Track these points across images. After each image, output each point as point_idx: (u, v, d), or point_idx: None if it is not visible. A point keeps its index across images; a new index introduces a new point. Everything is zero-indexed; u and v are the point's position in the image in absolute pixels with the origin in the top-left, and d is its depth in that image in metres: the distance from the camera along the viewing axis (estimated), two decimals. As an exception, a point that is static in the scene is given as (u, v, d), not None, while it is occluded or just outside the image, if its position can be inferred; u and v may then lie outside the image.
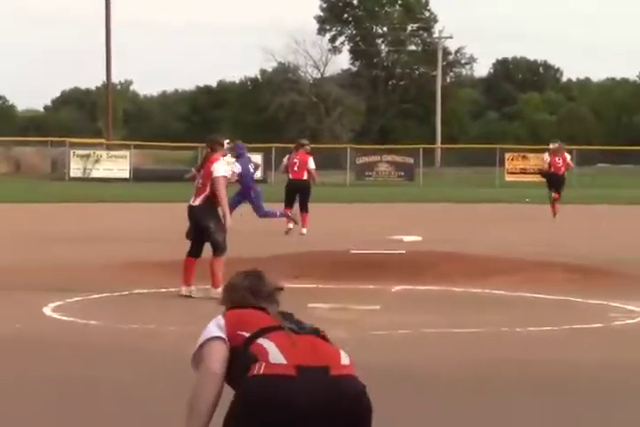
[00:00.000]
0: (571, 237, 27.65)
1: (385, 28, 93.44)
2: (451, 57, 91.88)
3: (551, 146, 36.67)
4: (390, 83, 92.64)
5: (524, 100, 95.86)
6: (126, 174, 63.52)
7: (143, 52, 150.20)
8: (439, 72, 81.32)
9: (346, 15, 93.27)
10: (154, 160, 72.92)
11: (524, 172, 62.08)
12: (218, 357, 5.42)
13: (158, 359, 12.23)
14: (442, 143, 76.47)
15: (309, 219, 27.95)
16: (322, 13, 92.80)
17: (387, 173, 64.60)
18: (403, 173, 64.81)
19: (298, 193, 28.83)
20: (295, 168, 28.75)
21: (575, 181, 38.77)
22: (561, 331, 14.48)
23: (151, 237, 25.58)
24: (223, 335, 5.48)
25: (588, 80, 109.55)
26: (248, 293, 5.78)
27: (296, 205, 28.70)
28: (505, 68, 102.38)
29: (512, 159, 63.57)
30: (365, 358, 11.52)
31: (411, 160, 64.72)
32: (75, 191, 48.70)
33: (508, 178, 62.63)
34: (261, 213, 27.14)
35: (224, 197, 16.27)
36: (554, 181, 34.08)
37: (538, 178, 60.58)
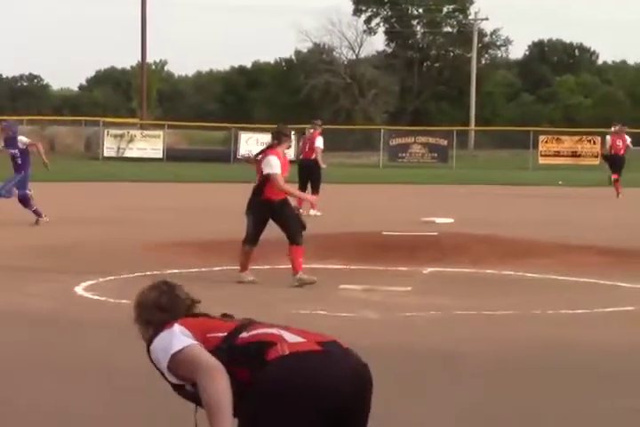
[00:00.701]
0: (606, 219, 27.39)
1: (420, 10, 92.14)
2: (486, 39, 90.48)
3: (613, 129, 37.37)
4: (425, 64, 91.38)
5: (558, 83, 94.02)
6: (160, 154, 63.11)
7: (178, 32, 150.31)
8: (474, 54, 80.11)
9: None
10: (187, 140, 72.40)
11: (557, 154, 61.64)
12: (208, 354, 5.20)
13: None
14: (476, 125, 75.60)
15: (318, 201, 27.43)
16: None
17: (420, 154, 63.92)
18: (436, 155, 64.13)
19: (307, 173, 28.97)
20: (306, 148, 29.30)
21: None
22: (593, 314, 14.40)
23: (184, 217, 25.79)
24: (195, 341, 5.28)
25: (624, 63, 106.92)
26: (158, 311, 5.63)
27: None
28: (540, 51, 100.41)
29: (546, 142, 62.46)
30: (396, 339, 12.30)
31: (444, 142, 63.92)
32: (108, 170, 48.96)
33: (542, 161, 62.00)
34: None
35: (287, 189, 15.91)
36: (615, 162, 34.92)
37: (571, 161, 62.49)
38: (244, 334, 5.27)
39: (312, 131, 29.87)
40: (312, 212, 26.98)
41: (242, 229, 16.91)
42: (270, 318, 11.43)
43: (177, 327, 5.39)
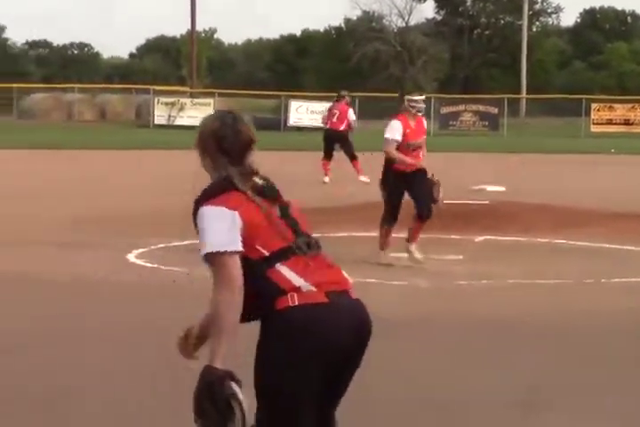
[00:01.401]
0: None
1: None
2: (537, 6, 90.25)
3: None
4: (475, 32, 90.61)
5: (610, 50, 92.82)
6: (210, 122, 63.20)
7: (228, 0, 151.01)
8: (525, 21, 79.34)
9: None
10: (238, 108, 73.25)
11: (610, 122, 61.27)
12: (239, 272, 5.29)
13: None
14: (527, 93, 74.90)
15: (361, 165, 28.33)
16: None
17: (471, 122, 64.17)
18: (487, 123, 64.13)
19: (336, 143, 29.47)
20: (334, 119, 29.51)
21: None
22: (625, 283, 14.50)
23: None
24: (239, 247, 5.32)
25: None
26: (214, 144, 5.57)
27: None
28: (592, 18, 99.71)
29: (598, 110, 61.89)
30: (447, 307, 12.52)
31: (495, 110, 63.84)
32: (159, 138, 49.78)
33: (594, 129, 61.75)
34: None
35: (393, 153, 15.23)
36: None
37: (624, 128, 62.91)
38: (276, 267, 5.33)
39: (339, 101, 30.38)
40: (362, 178, 27.42)
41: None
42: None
43: (229, 213, 5.40)
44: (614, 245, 17.85)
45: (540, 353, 10.56)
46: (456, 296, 13.55)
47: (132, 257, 15.87)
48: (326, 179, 28.02)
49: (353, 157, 28.83)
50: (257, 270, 5.37)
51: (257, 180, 5.61)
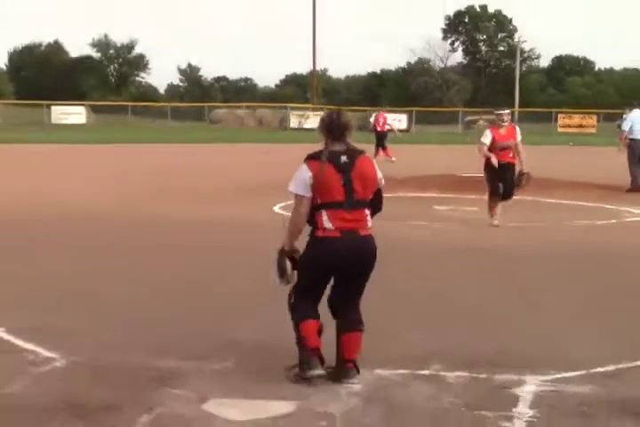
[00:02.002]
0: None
1: (484, 36, 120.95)
2: (525, 54, 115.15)
3: None
4: (487, 70, 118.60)
5: (570, 82, 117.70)
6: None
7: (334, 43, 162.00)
8: (517, 64, 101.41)
9: (460, 28, 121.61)
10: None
11: (569, 126, 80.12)
12: (305, 209, 7.04)
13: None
14: (519, 108, 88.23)
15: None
16: (445, 27, 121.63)
17: (483, 126, 72.12)
18: None
19: (382, 140, 36.22)
20: (379, 124, 36.74)
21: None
22: (597, 224, 17.18)
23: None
24: (308, 194, 6.98)
25: (611, 69, 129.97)
26: (326, 126, 7.15)
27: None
28: (559, 61, 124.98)
29: (563, 118, 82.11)
30: (467, 240, 15.00)
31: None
32: (294, 137, 56.33)
33: (560, 130, 78.66)
34: None
35: (485, 153, 16.38)
36: None
37: (578, 130, 76.85)
38: (321, 211, 7.01)
39: (379, 112, 37.89)
40: (393, 158, 34.28)
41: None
42: (396, 225, 14.92)
43: (304, 172, 7.01)
44: (574, 202, 20.73)
45: (529, 268, 12.48)
46: (474, 232, 15.87)
47: (276, 208, 17.64)
48: (393, 158, 33.78)
49: (384, 148, 35.66)
50: (313, 210, 7.05)
51: (339, 154, 6.99)
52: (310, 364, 6.91)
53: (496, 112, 16.76)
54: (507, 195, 16.34)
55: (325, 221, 6.92)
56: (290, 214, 7.14)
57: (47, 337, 8.11)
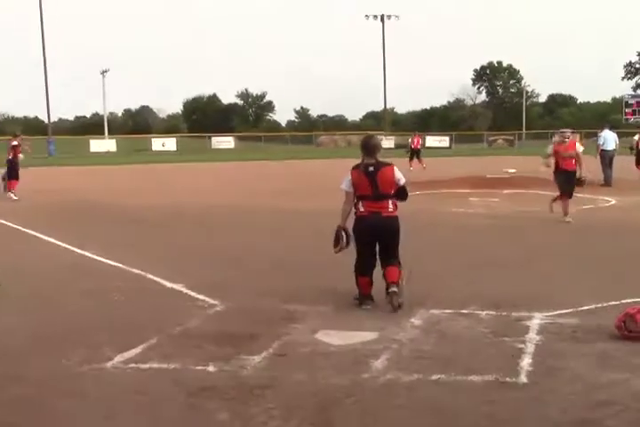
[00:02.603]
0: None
1: (500, 82, 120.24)
2: (528, 94, 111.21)
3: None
4: (502, 106, 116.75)
5: (561, 113, 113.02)
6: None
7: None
8: (524, 100, 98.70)
9: (484, 77, 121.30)
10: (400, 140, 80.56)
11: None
12: (350, 199, 7.51)
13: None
14: (525, 130, 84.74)
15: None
16: (473, 76, 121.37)
17: (501, 143, 76.23)
18: (508, 144, 75.00)
19: (416, 154, 34.69)
20: (414, 144, 35.20)
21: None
22: (582, 208, 16.32)
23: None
24: (351, 190, 7.43)
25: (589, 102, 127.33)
26: (362, 147, 7.52)
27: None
28: (553, 98, 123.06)
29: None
30: (490, 221, 14.57)
31: (511, 137, 77.62)
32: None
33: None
34: None
35: (545, 161, 15.05)
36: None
37: None
38: (359, 201, 7.46)
39: (415, 135, 36.33)
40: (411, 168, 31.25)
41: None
42: (434, 214, 14.68)
43: (348, 176, 7.48)
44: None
45: (536, 235, 12.70)
46: (494, 216, 15.32)
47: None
48: (411, 168, 30.79)
49: (419, 159, 34.11)
50: (355, 200, 7.53)
51: (369, 165, 7.39)
52: (363, 301, 7.42)
53: (560, 131, 15.58)
54: (567, 196, 14.64)
55: (360, 206, 7.39)
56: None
57: (211, 290, 8.22)
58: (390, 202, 7.38)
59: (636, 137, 27.67)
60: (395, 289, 7.27)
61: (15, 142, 20.79)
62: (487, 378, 5.34)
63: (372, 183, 7.30)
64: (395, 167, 7.53)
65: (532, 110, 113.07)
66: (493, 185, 21.85)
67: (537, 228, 13.57)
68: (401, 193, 7.51)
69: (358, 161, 7.71)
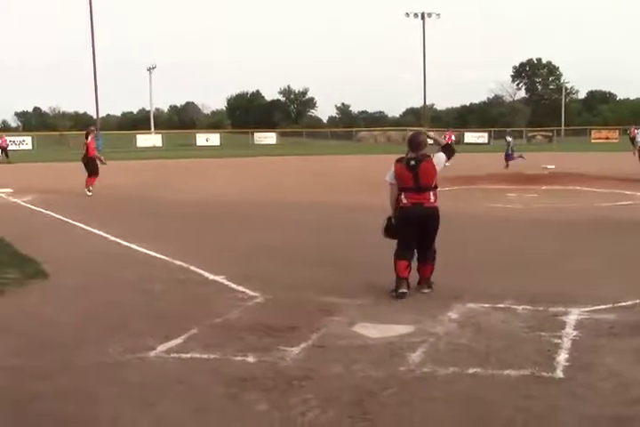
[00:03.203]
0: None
1: (540, 79, 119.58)
2: (568, 90, 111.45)
3: None
4: (541, 102, 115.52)
5: (600, 109, 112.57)
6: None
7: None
8: (563, 97, 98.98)
9: (523, 73, 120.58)
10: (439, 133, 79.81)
11: (600, 138, 72.71)
12: (395, 190, 7.72)
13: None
14: (564, 126, 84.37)
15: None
16: (513, 73, 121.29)
17: (540, 139, 74.39)
18: (547, 140, 73.33)
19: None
20: (446, 138, 34.11)
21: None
22: (618, 204, 16.18)
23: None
24: (394, 182, 7.66)
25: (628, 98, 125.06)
26: (408, 143, 7.72)
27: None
28: (592, 94, 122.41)
29: (594, 132, 75.21)
30: (528, 215, 14.50)
31: (550, 134, 75.58)
32: None
33: (593, 141, 71.01)
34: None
35: None
36: None
37: (606, 141, 70.31)
38: (402, 193, 7.63)
39: (447, 131, 37.12)
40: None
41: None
42: (471, 209, 14.53)
43: (391, 171, 7.70)
44: (602, 190, 19.28)
45: (573, 231, 12.32)
46: (532, 212, 15.25)
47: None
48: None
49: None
50: (398, 193, 7.72)
51: (411, 159, 7.60)
52: (399, 286, 7.55)
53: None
54: None
55: (403, 198, 7.59)
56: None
57: (252, 282, 8.24)
58: (431, 193, 7.61)
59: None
60: (426, 291, 7.65)
61: (89, 139, 20.19)
62: (523, 372, 5.28)
63: (414, 176, 7.50)
64: (432, 159, 7.70)
65: (571, 107, 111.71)
66: (531, 181, 21.95)
67: (575, 223, 13.40)
68: (449, 151, 7.93)
69: (398, 156, 7.86)
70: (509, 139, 30.75)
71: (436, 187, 7.73)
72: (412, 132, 8.01)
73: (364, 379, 5.21)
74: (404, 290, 7.51)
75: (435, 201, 7.65)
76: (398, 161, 7.66)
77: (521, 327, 6.41)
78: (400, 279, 7.56)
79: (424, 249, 7.71)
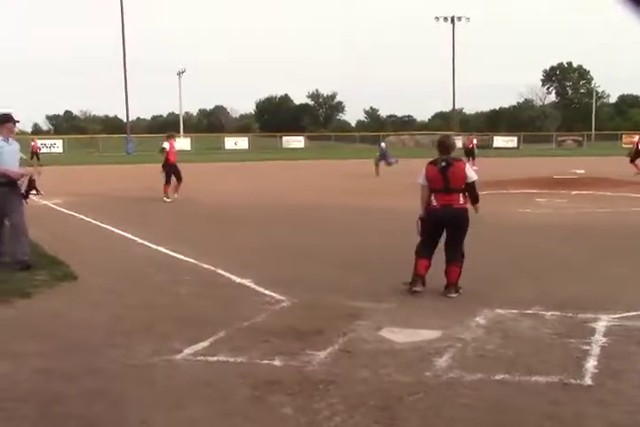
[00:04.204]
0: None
1: (570, 83, 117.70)
2: (599, 94, 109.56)
3: None
4: (572, 106, 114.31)
5: (630, 113, 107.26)
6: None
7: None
8: (594, 101, 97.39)
9: (553, 77, 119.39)
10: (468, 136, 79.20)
11: (631, 143, 65.60)
12: (425, 191, 7.84)
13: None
14: (595, 131, 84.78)
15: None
16: (543, 77, 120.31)
17: (569, 143, 75.57)
18: (577, 144, 74.85)
19: (471, 154, 33.98)
20: (469, 144, 34.84)
21: None
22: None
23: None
24: (426, 184, 7.79)
25: None
26: (437, 146, 7.92)
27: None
28: (623, 98, 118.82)
29: (625, 137, 72.07)
30: (558, 219, 14.62)
31: (580, 138, 76.71)
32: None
33: (624, 146, 68.34)
34: None
35: None
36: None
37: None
38: (432, 194, 7.77)
39: (470, 136, 36.30)
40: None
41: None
42: (500, 213, 14.36)
43: (424, 169, 7.84)
44: (633, 195, 19.53)
45: (599, 237, 12.31)
46: (561, 217, 15.23)
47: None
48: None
49: (473, 158, 33.28)
50: (429, 193, 7.84)
51: (442, 161, 7.76)
52: (415, 283, 7.73)
53: None
54: None
55: (433, 200, 7.72)
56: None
57: (279, 285, 8.26)
58: (461, 195, 7.71)
59: (636, 138, 28.80)
60: (453, 295, 7.62)
61: (165, 145, 19.29)
62: (551, 379, 5.23)
63: (444, 178, 7.62)
64: (467, 164, 7.92)
65: (602, 111, 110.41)
66: (561, 186, 21.83)
67: (605, 229, 13.28)
68: (471, 189, 7.86)
69: (426, 161, 8.03)
70: (383, 145, 32.14)
71: (465, 189, 7.80)
72: (440, 136, 8.26)
73: (390, 384, 5.19)
74: (419, 289, 7.70)
75: (465, 203, 7.74)
76: (430, 163, 7.82)
77: (549, 334, 6.36)
78: (417, 277, 7.74)
79: (451, 250, 7.75)
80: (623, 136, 76.47)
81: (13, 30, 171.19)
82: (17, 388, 5.16)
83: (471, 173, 7.82)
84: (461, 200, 7.71)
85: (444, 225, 7.74)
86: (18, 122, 9.28)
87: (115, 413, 4.77)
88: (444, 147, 7.80)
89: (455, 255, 7.74)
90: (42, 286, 8.28)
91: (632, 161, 27.92)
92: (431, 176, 7.73)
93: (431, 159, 7.90)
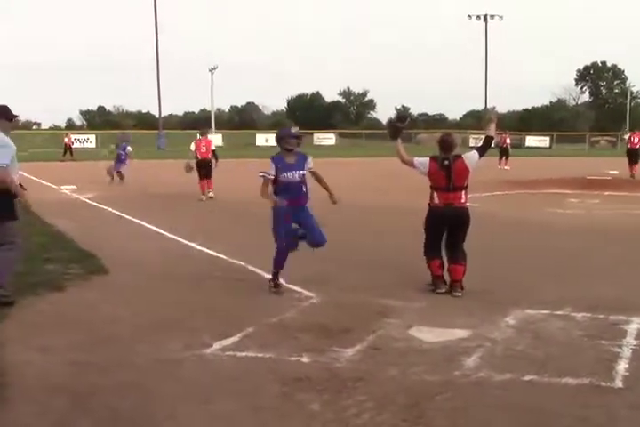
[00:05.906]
0: None
1: (604, 82, 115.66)
2: (634, 94, 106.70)
3: None
4: (606, 106, 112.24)
5: None
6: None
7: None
8: (628, 101, 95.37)
9: (587, 77, 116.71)
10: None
11: None
12: (414, 162, 7.88)
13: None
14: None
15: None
16: (576, 76, 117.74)
17: (603, 144, 73.80)
18: (610, 145, 72.36)
19: (505, 153, 33.94)
20: (502, 141, 34.23)
21: None
22: None
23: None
24: (420, 166, 7.81)
25: None
26: (439, 144, 7.89)
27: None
28: None
29: None
30: (588, 220, 14.50)
31: (614, 139, 73.39)
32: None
33: None
34: None
35: None
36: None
37: None
38: (434, 192, 7.78)
39: (503, 134, 34.62)
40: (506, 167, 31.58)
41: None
42: (532, 214, 14.49)
43: (427, 159, 7.83)
44: None
45: (632, 239, 12.28)
46: (594, 217, 15.08)
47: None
48: (506, 167, 31.56)
49: (506, 158, 33.46)
50: (431, 192, 7.89)
51: (443, 157, 7.75)
52: (437, 285, 7.77)
53: None
54: None
55: (435, 198, 7.71)
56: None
57: (308, 283, 8.29)
58: (463, 193, 7.72)
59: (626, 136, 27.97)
60: (458, 294, 7.63)
61: (192, 146, 18.93)
62: (581, 381, 5.20)
63: (447, 176, 7.63)
64: (463, 155, 7.80)
65: (637, 111, 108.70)
66: (594, 186, 21.62)
67: (637, 230, 13.09)
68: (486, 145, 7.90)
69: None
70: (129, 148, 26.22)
71: (466, 187, 7.83)
72: (442, 134, 8.15)
73: (418, 382, 5.19)
74: (443, 290, 7.72)
75: (465, 201, 7.76)
76: (431, 158, 7.82)
77: (580, 335, 6.31)
78: (436, 278, 7.79)
79: (454, 249, 7.79)
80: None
81: (49, 29, 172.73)
82: (49, 380, 5.22)
83: (471, 158, 7.77)
84: (463, 199, 7.73)
85: (446, 224, 7.76)
86: (17, 117, 7.47)
87: (144, 406, 4.81)
88: (447, 145, 7.78)
89: (458, 254, 7.79)
90: (74, 280, 8.37)
91: None
92: (434, 174, 7.75)
93: (433, 155, 7.90)
